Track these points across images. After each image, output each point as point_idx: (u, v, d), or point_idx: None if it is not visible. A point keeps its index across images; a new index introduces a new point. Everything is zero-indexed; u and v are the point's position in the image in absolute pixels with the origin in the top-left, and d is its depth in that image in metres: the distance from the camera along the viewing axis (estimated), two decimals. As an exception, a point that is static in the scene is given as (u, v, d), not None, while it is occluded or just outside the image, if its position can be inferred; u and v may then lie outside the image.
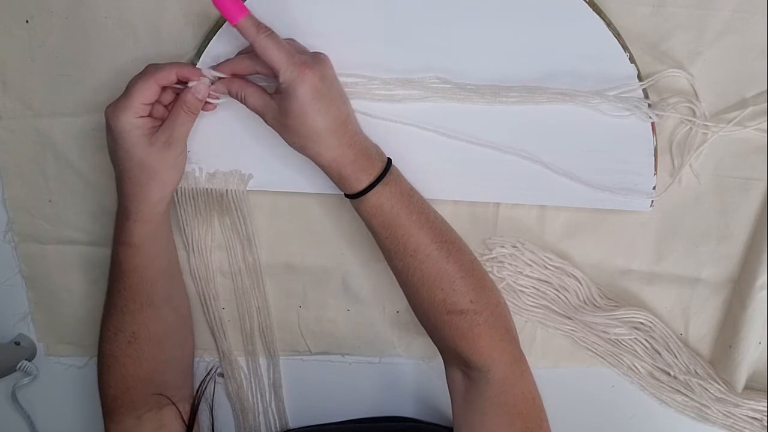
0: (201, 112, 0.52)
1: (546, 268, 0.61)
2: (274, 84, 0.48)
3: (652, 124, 0.56)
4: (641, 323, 0.61)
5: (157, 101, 0.50)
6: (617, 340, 0.62)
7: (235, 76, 0.50)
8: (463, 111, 0.56)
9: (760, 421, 0.61)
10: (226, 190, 0.58)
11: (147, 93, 0.48)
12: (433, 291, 0.50)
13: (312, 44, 0.54)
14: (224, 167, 0.58)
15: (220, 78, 0.50)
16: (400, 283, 0.52)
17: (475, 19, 0.55)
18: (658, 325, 0.61)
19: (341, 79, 0.53)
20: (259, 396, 0.65)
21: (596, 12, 0.54)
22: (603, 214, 0.59)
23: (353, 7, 0.54)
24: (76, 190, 0.60)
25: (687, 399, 0.62)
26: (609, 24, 0.54)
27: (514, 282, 0.61)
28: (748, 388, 0.61)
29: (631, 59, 0.55)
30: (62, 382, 0.66)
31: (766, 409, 0.61)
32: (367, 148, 0.50)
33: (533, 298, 0.62)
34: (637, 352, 0.62)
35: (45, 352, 0.65)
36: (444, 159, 0.57)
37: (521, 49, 0.55)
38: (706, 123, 0.57)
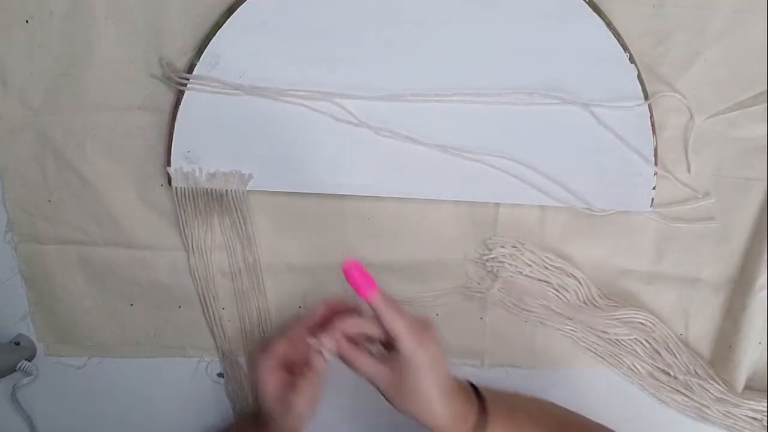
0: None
1: (546, 268, 0.61)
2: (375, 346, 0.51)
3: (652, 124, 0.56)
4: (641, 323, 0.61)
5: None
6: (617, 340, 0.62)
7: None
8: (463, 112, 0.56)
9: (760, 421, 0.61)
10: (226, 190, 0.58)
11: (280, 349, 0.52)
12: None
13: (314, 44, 0.54)
14: (224, 167, 0.58)
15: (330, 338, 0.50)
16: None
17: (474, 18, 0.55)
18: (658, 325, 0.61)
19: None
20: (259, 396, 0.65)
21: (596, 12, 0.54)
22: (603, 214, 0.59)
23: (353, 8, 0.54)
24: (76, 190, 0.60)
25: (687, 399, 0.62)
26: (609, 24, 0.54)
27: (514, 282, 0.61)
28: (748, 388, 0.61)
29: (631, 59, 0.55)
30: (62, 382, 0.66)
31: (766, 409, 0.61)
32: (465, 394, 0.51)
33: (533, 298, 0.62)
34: (637, 352, 0.62)
35: (45, 352, 0.65)
36: (444, 159, 0.57)
37: (521, 49, 0.55)
38: (705, 123, 0.57)
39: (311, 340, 0.50)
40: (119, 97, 0.58)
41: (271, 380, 0.52)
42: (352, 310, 0.53)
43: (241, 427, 0.61)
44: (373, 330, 0.50)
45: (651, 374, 0.63)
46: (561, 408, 0.56)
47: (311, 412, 0.54)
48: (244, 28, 0.55)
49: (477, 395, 0.52)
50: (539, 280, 0.61)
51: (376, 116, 0.56)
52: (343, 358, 0.51)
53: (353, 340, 0.51)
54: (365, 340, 0.52)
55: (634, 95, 0.56)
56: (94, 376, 0.65)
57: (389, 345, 0.49)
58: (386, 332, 0.48)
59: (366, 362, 0.50)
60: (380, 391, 0.50)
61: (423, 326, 0.49)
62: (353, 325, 0.50)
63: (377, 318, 0.48)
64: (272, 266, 0.62)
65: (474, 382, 0.53)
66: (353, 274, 0.48)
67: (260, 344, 0.54)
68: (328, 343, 0.50)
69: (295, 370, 0.52)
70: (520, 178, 0.57)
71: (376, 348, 0.52)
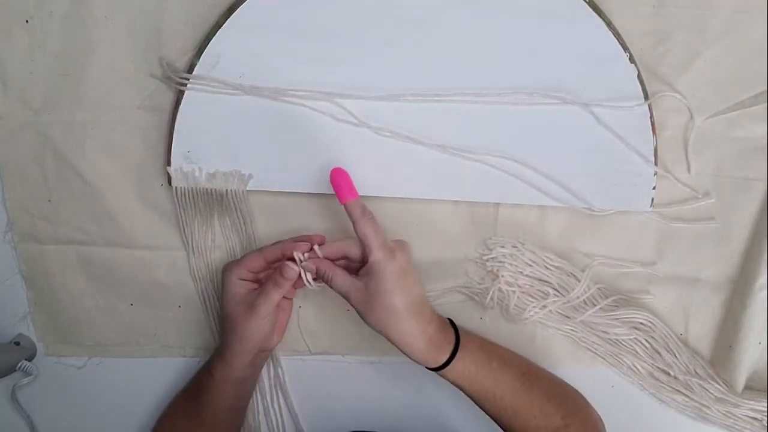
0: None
1: (546, 268, 0.61)
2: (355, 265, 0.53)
3: (652, 124, 0.56)
4: (641, 323, 0.61)
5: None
6: (617, 340, 0.62)
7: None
8: (463, 112, 0.56)
9: (760, 421, 0.61)
10: (226, 190, 0.58)
11: (253, 263, 0.55)
12: (526, 421, 0.53)
13: (314, 44, 0.54)
14: (224, 167, 0.58)
15: (309, 257, 0.53)
16: (494, 420, 0.55)
17: (474, 18, 0.55)
18: (658, 325, 0.61)
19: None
20: (259, 396, 0.65)
21: (596, 12, 0.54)
22: (603, 214, 0.59)
23: (353, 8, 0.54)
24: (75, 190, 0.60)
25: (687, 399, 0.62)
26: (609, 24, 0.54)
27: (514, 282, 0.61)
28: (748, 388, 0.61)
29: (631, 59, 0.55)
30: (62, 382, 0.66)
31: (766, 409, 0.60)
32: (439, 321, 0.53)
33: (533, 298, 0.62)
34: (637, 352, 0.62)
35: (45, 352, 0.65)
36: (444, 159, 0.57)
37: (521, 49, 0.55)
38: (705, 123, 0.57)
39: (297, 254, 0.52)
40: (119, 97, 0.58)
41: (239, 284, 0.55)
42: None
43: (197, 379, 0.61)
44: (352, 250, 0.52)
45: (651, 374, 0.63)
46: (531, 361, 0.58)
47: (275, 328, 0.57)
48: (244, 28, 0.55)
49: (454, 330, 0.53)
50: (539, 280, 0.61)
51: (376, 116, 0.56)
52: (320, 274, 0.52)
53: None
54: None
55: (634, 95, 0.56)
56: (94, 376, 0.65)
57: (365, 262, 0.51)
58: (361, 246, 0.51)
59: (339, 275, 0.51)
60: (354, 306, 0.51)
61: (397, 243, 0.52)
62: (334, 247, 0.53)
63: (352, 224, 0.51)
64: (272, 266, 0.62)
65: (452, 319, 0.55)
66: (337, 179, 0.50)
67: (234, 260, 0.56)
68: (308, 265, 0.52)
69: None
70: (520, 178, 0.57)
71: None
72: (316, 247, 0.53)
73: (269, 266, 0.56)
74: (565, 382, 0.59)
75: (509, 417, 0.53)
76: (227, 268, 0.55)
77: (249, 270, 0.55)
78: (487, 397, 0.53)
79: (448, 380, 0.53)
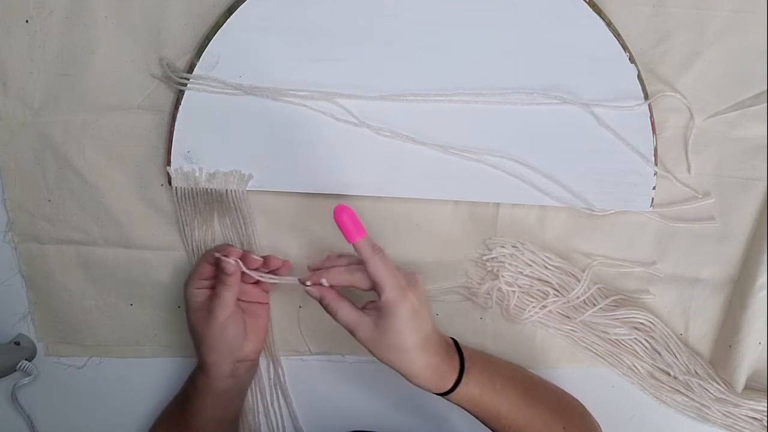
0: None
1: (546, 268, 0.61)
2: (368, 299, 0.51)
3: (652, 124, 0.56)
4: (641, 323, 0.61)
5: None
6: (617, 340, 0.62)
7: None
8: (463, 112, 0.56)
9: (760, 421, 0.61)
10: (226, 190, 0.58)
11: (202, 270, 0.55)
12: None
13: (314, 44, 0.54)
14: (224, 167, 0.58)
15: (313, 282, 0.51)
16: None
17: (474, 18, 0.55)
18: (658, 325, 0.61)
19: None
20: (259, 396, 0.65)
21: (596, 12, 0.54)
22: (603, 214, 0.59)
23: (353, 8, 0.54)
24: (75, 190, 0.60)
25: (687, 399, 0.62)
26: (609, 24, 0.54)
27: (514, 282, 0.61)
28: (748, 388, 0.61)
29: (631, 59, 0.55)
30: (62, 382, 0.66)
31: (766, 409, 0.61)
32: (446, 350, 0.52)
33: (533, 298, 0.62)
34: (637, 352, 0.62)
35: (45, 352, 0.65)
36: (444, 159, 0.57)
37: (521, 49, 0.55)
38: (705, 123, 0.57)
39: (306, 284, 0.51)
40: (119, 97, 0.58)
41: (197, 293, 0.55)
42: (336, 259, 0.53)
43: (183, 389, 0.61)
44: (361, 284, 0.50)
45: (651, 374, 0.63)
46: (531, 372, 0.59)
47: (247, 335, 0.56)
48: (244, 28, 0.55)
49: (458, 351, 0.53)
50: (539, 280, 0.61)
51: (376, 116, 0.56)
52: (324, 305, 0.51)
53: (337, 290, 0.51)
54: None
55: (634, 95, 0.56)
56: (94, 376, 0.65)
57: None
58: (371, 282, 0.49)
59: (345, 308, 0.50)
60: (360, 341, 0.50)
61: (408, 278, 0.50)
62: (340, 278, 0.51)
63: (363, 264, 0.48)
64: (272, 266, 0.62)
65: (455, 338, 0.54)
66: (343, 218, 0.48)
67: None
68: (313, 291, 0.51)
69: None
70: (520, 178, 0.57)
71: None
72: (323, 280, 0.51)
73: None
74: (563, 390, 0.59)
75: None
76: (186, 283, 0.56)
77: (201, 278, 0.55)
78: (492, 417, 0.53)
79: (453, 403, 0.52)
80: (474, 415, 0.53)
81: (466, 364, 0.52)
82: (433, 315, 0.52)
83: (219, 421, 0.59)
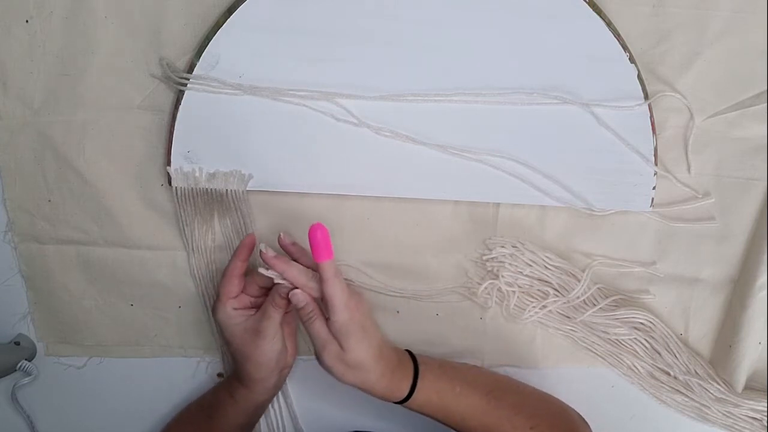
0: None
1: (546, 268, 0.61)
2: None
3: (652, 124, 0.56)
4: (641, 323, 0.61)
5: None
6: (617, 340, 0.62)
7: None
8: (463, 112, 0.56)
9: (760, 421, 0.61)
10: (226, 190, 0.58)
11: (230, 288, 0.55)
12: None
13: (314, 44, 0.54)
14: (224, 167, 0.58)
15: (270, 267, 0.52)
16: None
17: (474, 19, 0.55)
18: (658, 325, 0.61)
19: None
20: (259, 396, 0.65)
21: (596, 12, 0.54)
22: (603, 214, 0.59)
23: (353, 8, 0.54)
24: (75, 190, 0.60)
25: (687, 399, 0.62)
26: (609, 24, 0.54)
27: (514, 282, 0.61)
28: (748, 388, 0.61)
29: (631, 59, 0.55)
30: (62, 382, 0.66)
31: (766, 409, 0.61)
32: (398, 358, 0.54)
33: (533, 298, 0.62)
34: (637, 352, 0.62)
35: (45, 352, 0.65)
36: (444, 159, 0.57)
37: (521, 48, 0.55)
38: (705, 123, 0.57)
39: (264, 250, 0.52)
40: (119, 97, 0.58)
41: (234, 315, 0.55)
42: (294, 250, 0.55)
43: (215, 396, 0.61)
44: (313, 290, 0.52)
45: (651, 374, 0.63)
46: (496, 374, 0.60)
47: (287, 343, 0.57)
48: (244, 28, 0.55)
49: (413, 360, 0.54)
50: (539, 280, 0.61)
51: (376, 116, 0.56)
52: (306, 314, 0.51)
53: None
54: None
55: (634, 95, 0.56)
56: (94, 376, 0.65)
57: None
58: (323, 297, 0.51)
59: (324, 328, 0.51)
60: (326, 360, 0.51)
61: (354, 296, 0.52)
62: (299, 276, 0.52)
63: (321, 282, 0.50)
64: (272, 266, 0.62)
65: (410, 350, 0.56)
66: (317, 236, 0.49)
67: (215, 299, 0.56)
68: (299, 298, 0.51)
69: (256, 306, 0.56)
70: (520, 178, 0.57)
71: None
72: (262, 245, 0.52)
73: (243, 280, 0.56)
74: (536, 390, 0.59)
75: None
76: (216, 309, 0.56)
77: (230, 297, 0.55)
78: (456, 421, 0.54)
79: (414, 411, 0.54)
80: (439, 421, 0.54)
81: (420, 369, 0.54)
82: (379, 328, 0.54)
83: (245, 426, 0.60)
